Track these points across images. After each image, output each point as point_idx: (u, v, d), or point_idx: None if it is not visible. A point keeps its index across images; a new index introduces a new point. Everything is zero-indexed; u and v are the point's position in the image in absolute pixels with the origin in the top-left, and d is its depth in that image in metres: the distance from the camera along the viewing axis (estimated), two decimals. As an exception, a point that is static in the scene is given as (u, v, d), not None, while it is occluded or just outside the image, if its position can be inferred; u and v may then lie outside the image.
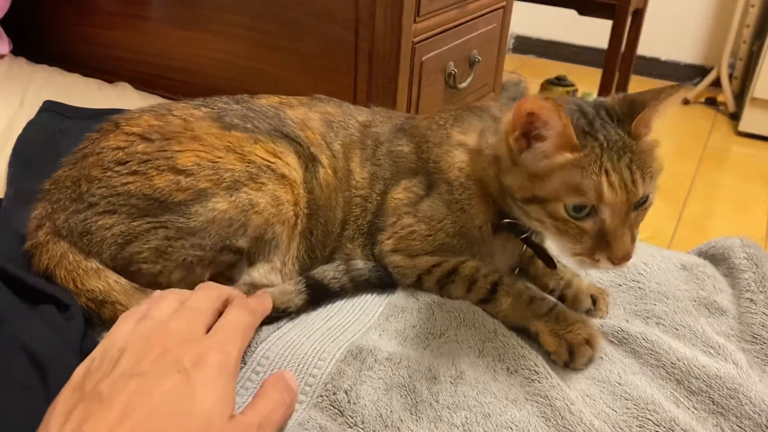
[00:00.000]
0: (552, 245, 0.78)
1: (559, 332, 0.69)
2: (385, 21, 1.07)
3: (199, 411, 0.50)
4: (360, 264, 0.79)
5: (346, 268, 0.78)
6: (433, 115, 0.86)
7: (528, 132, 0.67)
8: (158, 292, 0.68)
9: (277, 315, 0.72)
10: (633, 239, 0.66)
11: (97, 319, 0.71)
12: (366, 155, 0.84)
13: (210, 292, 0.65)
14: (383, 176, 0.82)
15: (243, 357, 0.67)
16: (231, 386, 0.54)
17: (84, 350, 0.65)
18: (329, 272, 0.77)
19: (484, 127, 0.78)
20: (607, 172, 0.64)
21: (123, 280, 0.72)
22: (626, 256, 0.65)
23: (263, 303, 0.70)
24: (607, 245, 0.65)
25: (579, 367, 0.69)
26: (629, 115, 0.67)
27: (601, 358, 0.70)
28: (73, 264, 0.72)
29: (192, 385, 0.51)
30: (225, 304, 0.65)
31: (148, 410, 0.49)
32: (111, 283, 0.71)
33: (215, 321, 0.61)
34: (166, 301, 0.62)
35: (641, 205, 0.67)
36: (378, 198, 0.82)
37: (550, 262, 0.78)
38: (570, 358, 0.68)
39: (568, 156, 0.65)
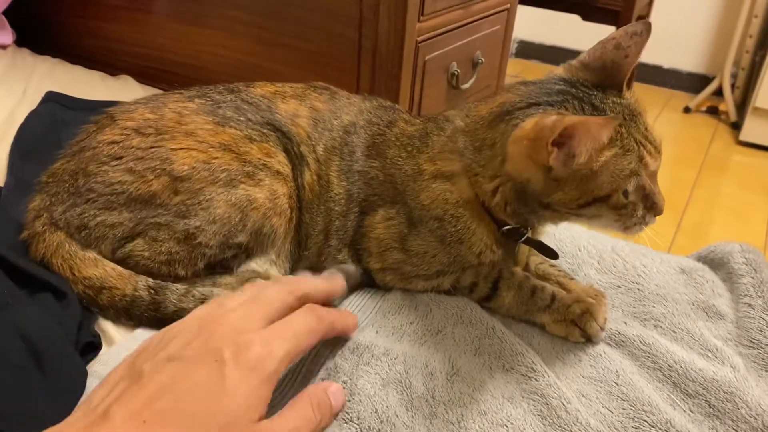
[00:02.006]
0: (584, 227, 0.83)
1: (561, 318, 0.72)
2: (389, 19, 1.07)
3: (226, 407, 0.49)
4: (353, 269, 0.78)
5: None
6: (401, 134, 0.81)
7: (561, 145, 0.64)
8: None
9: None
10: None
11: (94, 306, 0.72)
12: (343, 167, 0.80)
13: (284, 287, 0.60)
14: (357, 198, 0.79)
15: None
16: (265, 387, 0.51)
17: (80, 338, 0.66)
18: None
19: (452, 143, 0.74)
20: (641, 144, 0.66)
21: (119, 267, 0.73)
22: (664, 206, 0.70)
23: (341, 316, 0.64)
24: (652, 204, 0.69)
25: (596, 335, 0.72)
26: (607, 78, 0.69)
27: (600, 355, 0.70)
28: (70, 253, 0.72)
29: (224, 378, 0.49)
30: (301, 302, 0.60)
31: (177, 395, 0.48)
32: (108, 270, 0.72)
33: (281, 317, 0.57)
34: (242, 291, 0.60)
35: None
36: (355, 217, 0.79)
37: (552, 254, 0.77)
38: (584, 333, 0.72)
39: (609, 152, 0.65)
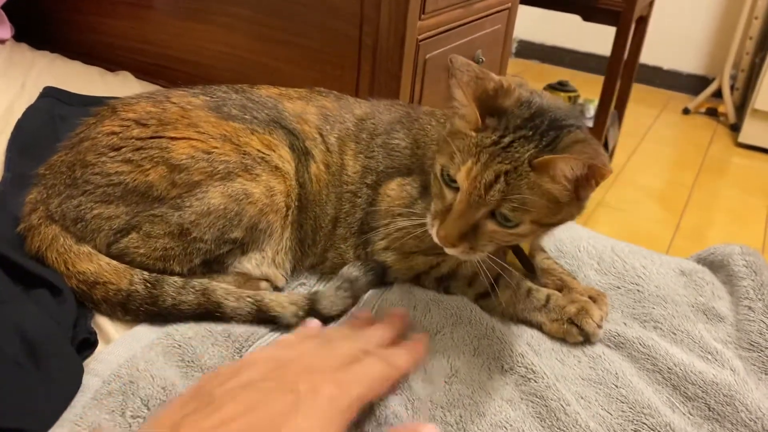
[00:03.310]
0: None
1: (557, 318, 0.73)
2: (390, 17, 1.07)
3: None
4: (355, 273, 0.77)
5: (350, 293, 0.76)
6: (436, 110, 0.85)
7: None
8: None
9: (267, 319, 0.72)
10: (465, 236, 0.65)
11: (88, 301, 0.71)
12: (360, 148, 0.83)
13: (355, 343, 0.62)
14: (375, 168, 0.82)
15: (240, 352, 0.67)
16: (337, 421, 0.53)
17: (76, 335, 0.65)
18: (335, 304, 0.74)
19: None
20: (475, 161, 0.63)
21: (114, 262, 0.72)
22: (445, 239, 0.66)
23: (412, 354, 0.64)
24: (443, 220, 0.66)
25: (593, 332, 0.71)
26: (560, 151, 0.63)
27: (600, 357, 0.70)
28: (65, 247, 0.72)
29: (297, 410, 0.51)
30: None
31: (249, 422, 0.49)
32: (102, 264, 0.72)
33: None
34: (311, 342, 0.62)
35: (506, 224, 0.64)
36: (368, 191, 0.81)
37: (529, 267, 0.79)
38: (581, 332, 0.72)
39: (468, 130, 0.64)
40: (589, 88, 2.97)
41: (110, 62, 1.38)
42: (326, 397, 0.53)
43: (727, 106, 3.26)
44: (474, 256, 0.67)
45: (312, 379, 0.54)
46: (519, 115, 0.64)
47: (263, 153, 0.76)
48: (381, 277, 0.79)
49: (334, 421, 0.52)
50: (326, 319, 0.73)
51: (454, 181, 0.65)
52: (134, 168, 0.72)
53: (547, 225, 0.67)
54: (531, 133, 0.63)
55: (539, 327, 0.74)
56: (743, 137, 3.03)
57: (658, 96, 3.60)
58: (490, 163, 0.62)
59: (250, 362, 0.56)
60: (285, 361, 0.56)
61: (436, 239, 0.67)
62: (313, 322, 0.70)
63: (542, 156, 0.61)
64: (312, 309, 0.73)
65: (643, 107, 3.37)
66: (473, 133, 0.64)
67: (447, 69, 1.22)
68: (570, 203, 0.65)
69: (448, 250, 0.67)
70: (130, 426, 0.57)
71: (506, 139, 0.63)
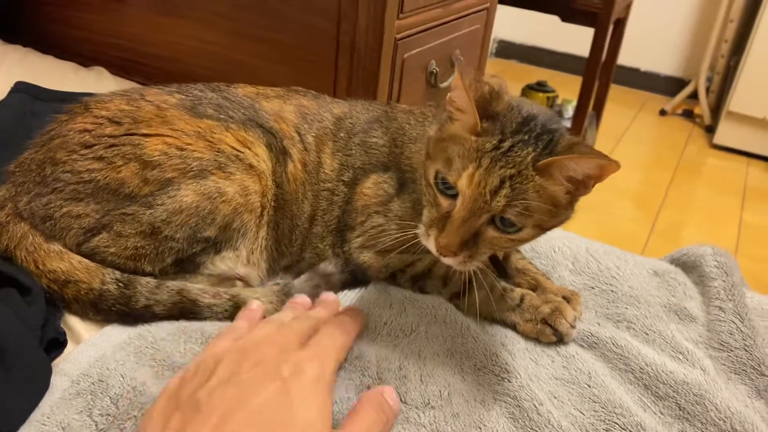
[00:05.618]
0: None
1: (531, 318, 0.73)
2: (368, 15, 1.07)
3: (300, 421, 0.49)
4: (330, 269, 0.78)
5: (323, 287, 0.76)
6: (414, 108, 0.85)
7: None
8: (255, 315, 0.67)
9: None
10: (466, 245, 0.64)
11: (59, 300, 0.70)
12: (338, 146, 0.82)
13: (306, 322, 0.63)
14: (353, 165, 0.81)
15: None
16: (329, 400, 0.53)
17: (44, 335, 0.64)
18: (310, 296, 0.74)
19: None
20: (477, 166, 0.62)
21: (86, 260, 0.71)
22: (446, 248, 0.64)
23: (357, 320, 0.67)
24: (441, 229, 0.65)
25: (567, 333, 0.72)
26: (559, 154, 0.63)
27: (573, 356, 0.70)
28: (34, 245, 0.71)
29: (290, 395, 0.50)
30: (318, 328, 0.63)
31: (246, 418, 0.48)
32: (74, 263, 0.70)
33: (308, 340, 0.60)
34: (266, 327, 0.61)
35: (507, 231, 0.64)
36: (345, 189, 0.81)
37: (502, 271, 0.79)
38: (555, 332, 0.72)
39: (467, 134, 0.63)
40: (568, 89, 2.99)
41: (84, 57, 1.36)
42: (312, 377, 0.53)
43: (703, 108, 3.30)
44: (471, 265, 0.66)
45: (290, 359, 0.53)
46: (512, 120, 0.64)
47: (238, 150, 0.76)
48: (356, 277, 0.79)
49: (326, 400, 0.53)
50: None
51: (450, 188, 0.64)
52: (106, 165, 0.71)
53: (545, 229, 0.67)
54: (527, 137, 0.63)
55: (513, 327, 0.74)
56: (718, 139, 3.07)
57: (635, 97, 3.64)
58: (493, 168, 0.61)
59: (217, 358, 0.55)
60: (253, 348, 0.55)
61: (433, 249, 0.66)
62: (254, 303, 0.69)
63: (544, 159, 0.61)
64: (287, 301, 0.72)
65: (621, 108, 3.40)
66: (473, 137, 0.63)
67: (425, 68, 1.23)
68: (567, 207, 0.65)
69: (446, 260, 0.66)
70: (96, 425, 0.56)
71: (506, 144, 0.62)
